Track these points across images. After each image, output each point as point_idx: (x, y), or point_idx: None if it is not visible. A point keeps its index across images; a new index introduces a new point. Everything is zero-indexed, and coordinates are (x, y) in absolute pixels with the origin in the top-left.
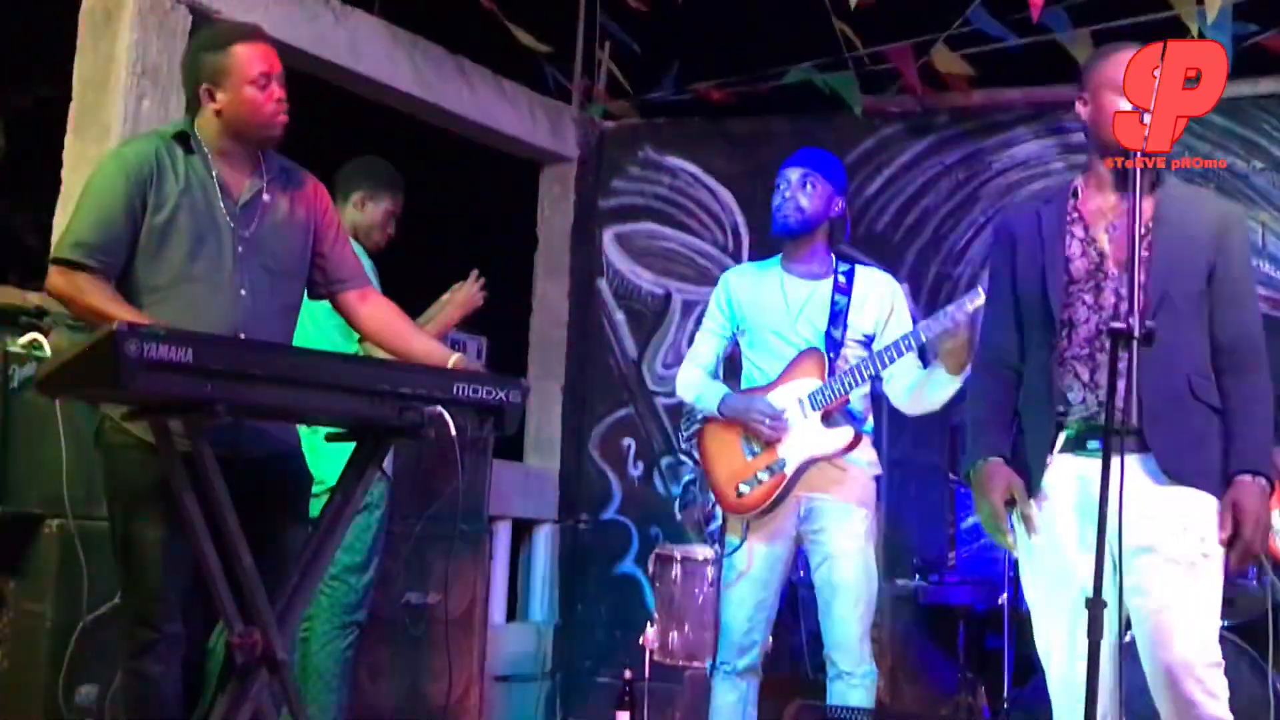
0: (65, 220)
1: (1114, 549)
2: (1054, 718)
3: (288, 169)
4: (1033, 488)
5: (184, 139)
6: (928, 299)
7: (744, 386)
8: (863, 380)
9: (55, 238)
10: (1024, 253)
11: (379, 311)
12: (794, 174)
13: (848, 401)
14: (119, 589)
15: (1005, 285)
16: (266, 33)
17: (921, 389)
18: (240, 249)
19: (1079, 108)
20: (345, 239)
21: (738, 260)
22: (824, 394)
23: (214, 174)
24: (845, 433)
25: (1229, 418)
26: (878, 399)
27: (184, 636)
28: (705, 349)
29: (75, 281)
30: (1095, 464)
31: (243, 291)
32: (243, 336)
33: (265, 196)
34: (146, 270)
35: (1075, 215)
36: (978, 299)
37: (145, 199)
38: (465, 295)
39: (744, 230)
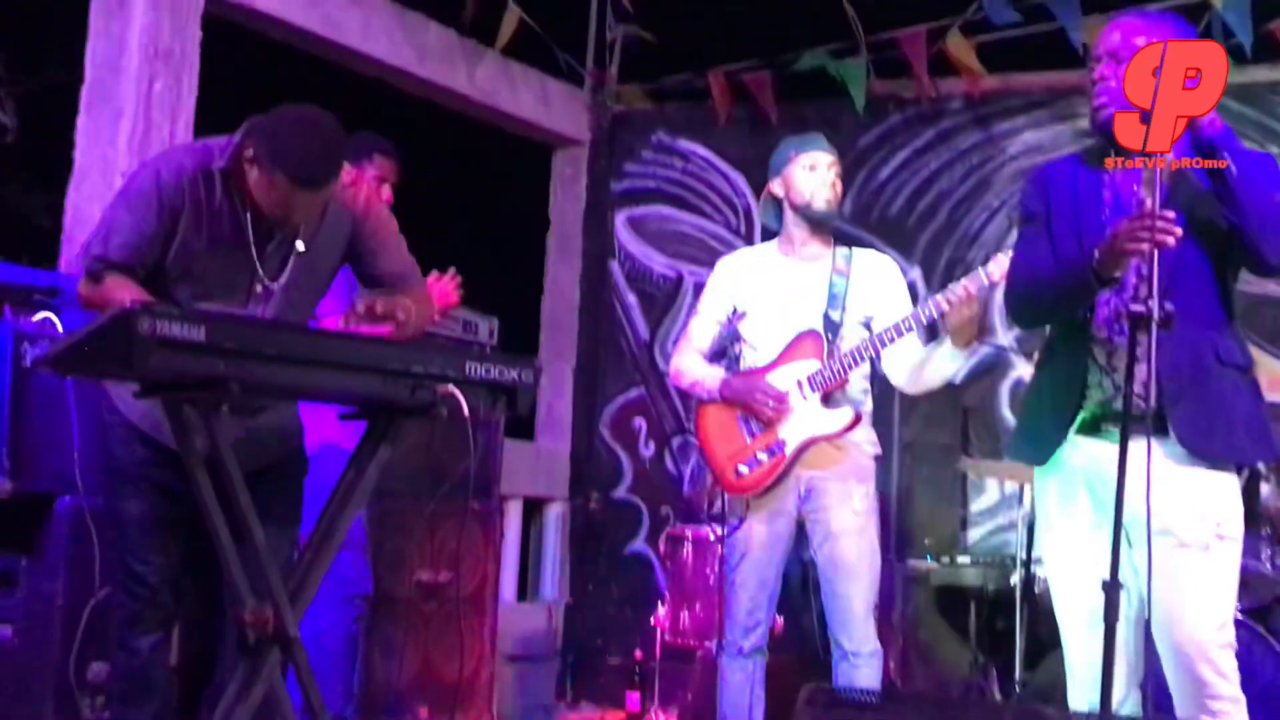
0: (75, 198)
1: (1131, 531)
2: (1070, 695)
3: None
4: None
5: (226, 176)
6: (941, 283)
7: (741, 369)
8: (862, 360)
9: (67, 219)
10: (1059, 207)
11: None
12: (827, 158)
13: (847, 382)
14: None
15: (1041, 226)
16: (326, 182)
17: (922, 367)
18: (260, 289)
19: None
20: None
21: (750, 243)
22: (823, 375)
23: (248, 215)
24: (845, 413)
25: None
26: (878, 378)
27: (176, 614)
28: (702, 334)
29: (96, 282)
30: (1110, 447)
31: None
32: None
33: (299, 244)
34: (170, 289)
35: (1108, 179)
36: (993, 272)
37: (176, 224)
38: (439, 290)
39: (756, 214)
